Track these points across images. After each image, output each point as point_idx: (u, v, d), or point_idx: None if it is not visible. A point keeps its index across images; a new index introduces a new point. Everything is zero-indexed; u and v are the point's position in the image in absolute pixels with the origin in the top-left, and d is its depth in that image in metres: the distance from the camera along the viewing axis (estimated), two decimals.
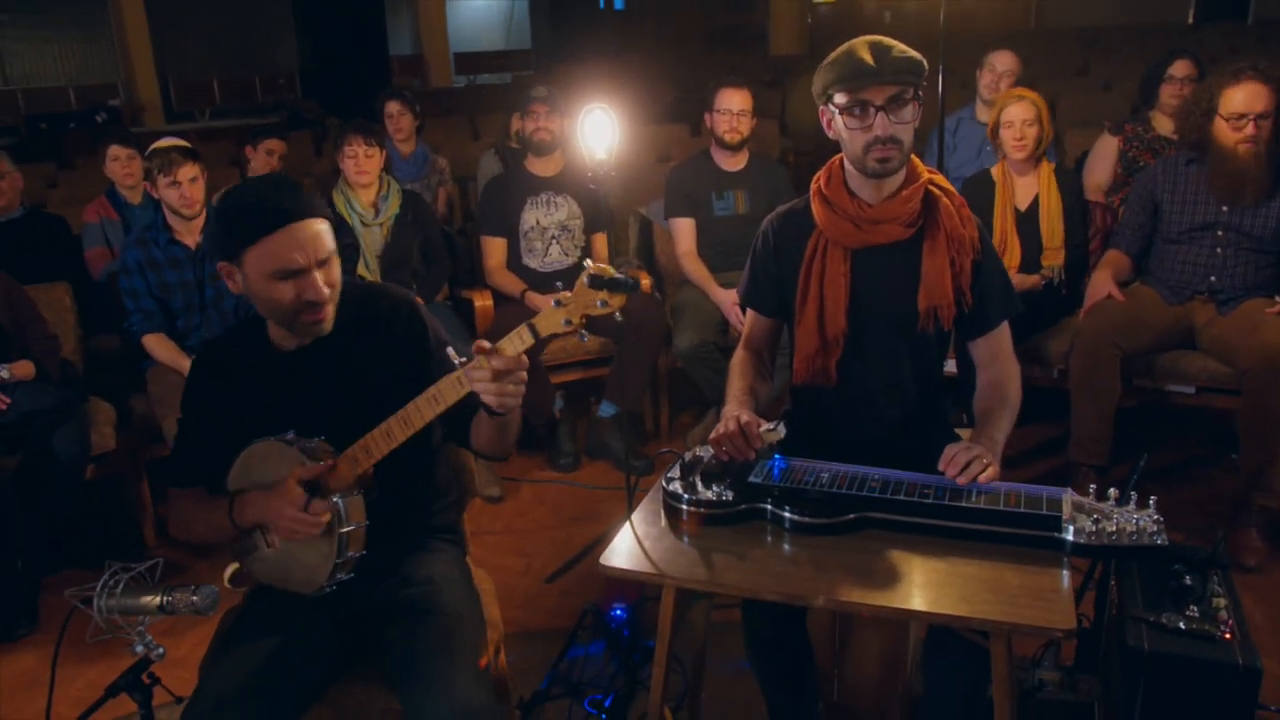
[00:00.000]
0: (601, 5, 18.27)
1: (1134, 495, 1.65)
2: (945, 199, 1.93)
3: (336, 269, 1.76)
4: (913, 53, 1.81)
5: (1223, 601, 1.89)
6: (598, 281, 1.51)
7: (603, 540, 3.15)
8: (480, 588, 1.99)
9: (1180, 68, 3.97)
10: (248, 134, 5.44)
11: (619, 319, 1.56)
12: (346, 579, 1.74)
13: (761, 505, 1.72)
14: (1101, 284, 3.26)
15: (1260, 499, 3.00)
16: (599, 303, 1.52)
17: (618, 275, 1.51)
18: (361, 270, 3.66)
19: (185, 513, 1.84)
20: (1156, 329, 3.20)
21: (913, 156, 1.92)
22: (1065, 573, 1.57)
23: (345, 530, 1.68)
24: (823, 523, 1.68)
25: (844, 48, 1.83)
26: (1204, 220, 3.17)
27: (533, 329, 1.56)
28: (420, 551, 1.89)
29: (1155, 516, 1.60)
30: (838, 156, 1.98)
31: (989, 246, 1.98)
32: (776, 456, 1.83)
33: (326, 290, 1.71)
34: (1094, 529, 1.59)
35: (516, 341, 1.56)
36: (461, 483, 2.17)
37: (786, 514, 1.70)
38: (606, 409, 3.76)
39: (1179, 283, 3.24)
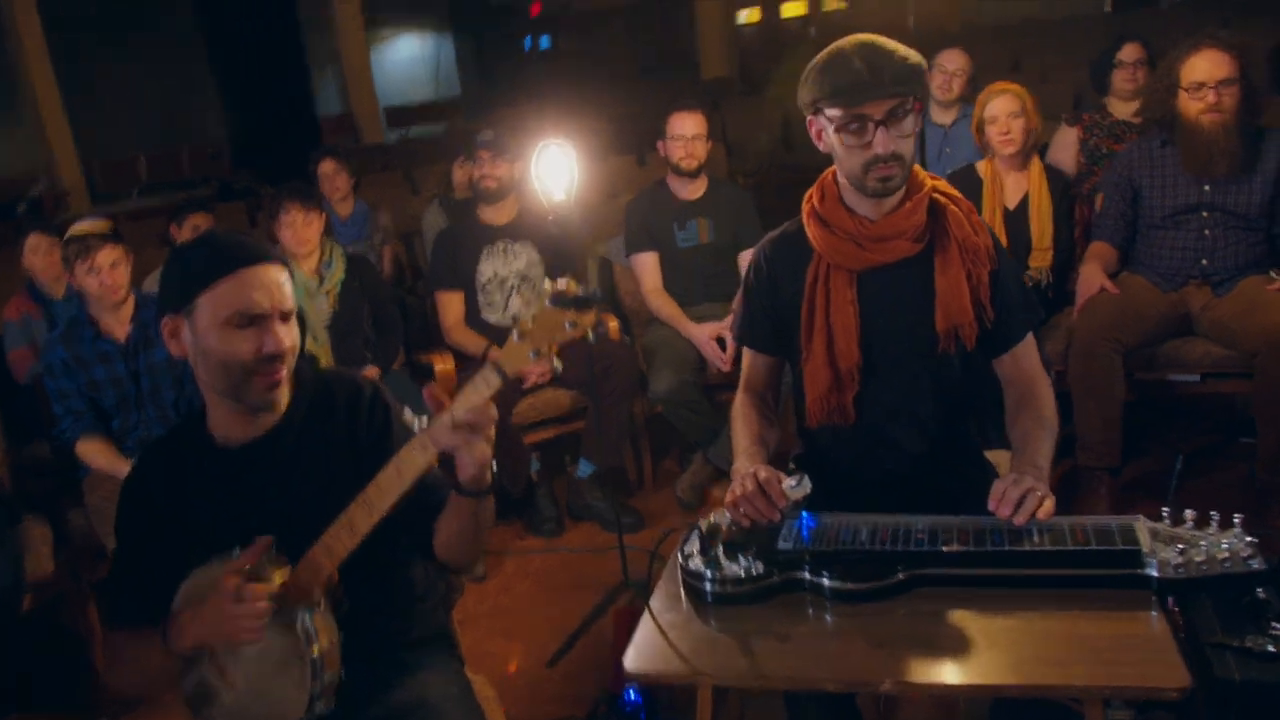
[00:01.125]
0: (527, 47, 18.24)
1: (1215, 515, 1.46)
2: (953, 206, 1.75)
3: (297, 332, 1.56)
4: (911, 55, 1.62)
5: None
6: (563, 299, 1.33)
7: (602, 610, 2.94)
8: (482, 695, 1.75)
9: (1130, 52, 3.90)
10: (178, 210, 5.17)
11: (592, 340, 1.38)
12: (327, 712, 1.50)
13: (798, 574, 1.50)
14: (1093, 278, 3.11)
15: None
16: (567, 324, 1.33)
17: (582, 291, 1.33)
18: (310, 345, 3.41)
19: (121, 658, 1.57)
20: (1153, 318, 3.06)
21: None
22: (1156, 614, 1.37)
23: (317, 652, 1.44)
24: (870, 587, 1.47)
25: (833, 52, 1.64)
26: (1187, 202, 3.04)
27: (498, 368, 1.35)
28: (409, 671, 1.63)
29: (1247, 538, 1.41)
30: (829, 171, 1.80)
31: (1004, 253, 1.80)
32: (804, 514, 1.62)
33: (288, 343, 1.51)
34: (1181, 560, 1.40)
35: (482, 387, 1.36)
36: (446, 577, 1.93)
37: (826, 581, 1.48)
38: (585, 467, 3.52)
39: (1170, 269, 3.10)
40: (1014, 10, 13.01)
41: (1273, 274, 2.97)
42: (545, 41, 18.25)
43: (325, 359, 3.43)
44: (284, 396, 1.59)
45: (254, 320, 1.48)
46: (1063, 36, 9.89)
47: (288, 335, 1.53)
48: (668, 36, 16.53)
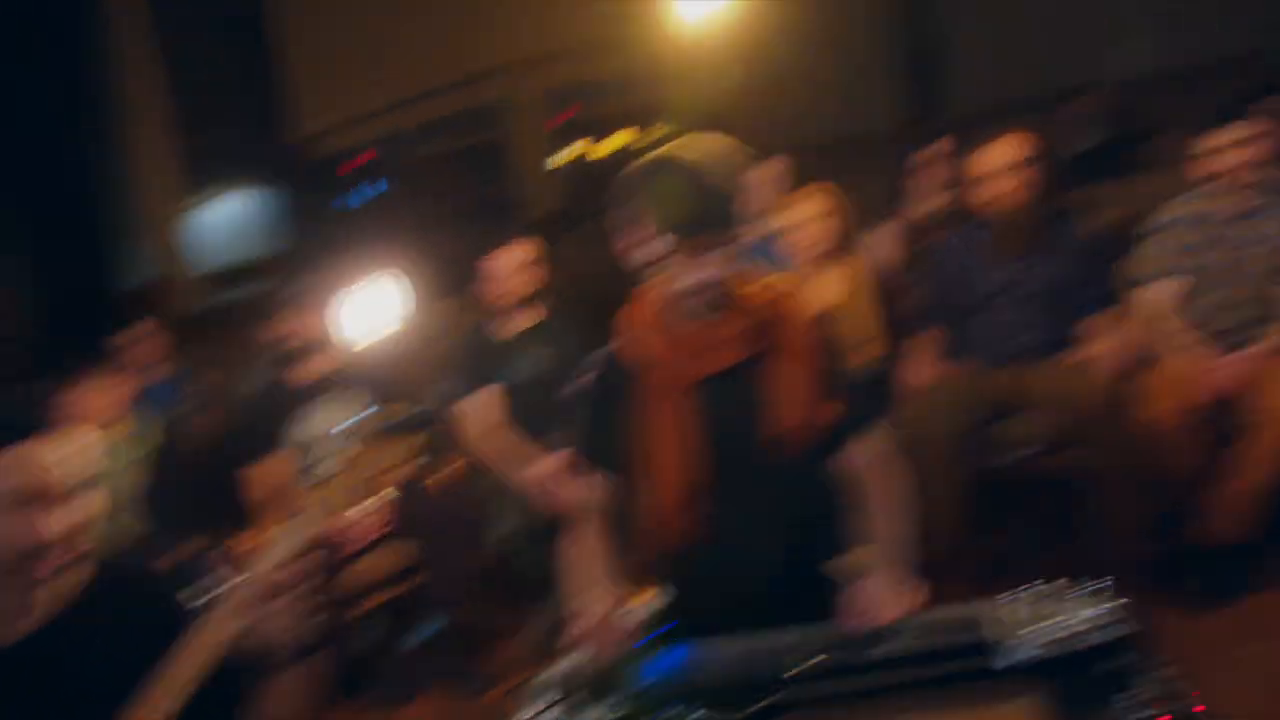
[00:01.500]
0: (352, 203, 18.13)
1: (1078, 586, 1.43)
2: (781, 305, 1.73)
3: (82, 513, 1.37)
4: (733, 183, 1.61)
5: (1169, 670, 1.68)
6: (389, 426, 1.23)
7: None
8: None
9: (933, 150, 4.12)
10: None
11: (425, 462, 1.26)
12: None
13: (665, 714, 1.37)
14: (921, 367, 3.19)
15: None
16: (397, 453, 1.23)
17: (410, 411, 1.26)
18: (117, 520, 3.10)
19: None
20: (983, 400, 3.13)
21: None
22: (1029, 701, 1.31)
23: None
24: (744, 717, 1.35)
25: (657, 175, 1.62)
26: (999, 283, 3.17)
27: (318, 510, 1.23)
28: None
29: (1109, 604, 1.38)
30: (651, 282, 1.75)
31: (836, 348, 1.78)
32: (666, 646, 1.50)
33: (68, 525, 1.33)
34: (1047, 638, 1.34)
35: (293, 534, 1.22)
36: None
37: (700, 716, 1.35)
38: (427, 628, 3.27)
39: (992, 350, 3.20)
40: (810, 131, 13.90)
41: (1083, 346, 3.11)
42: (369, 192, 18.20)
43: (132, 533, 3.14)
44: (60, 585, 1.38)
45: (32, 499, 1.30)
46: (863, 150, 10.58)
47: (68, 517, 1.34)
48: (489, 180, 16.77)
